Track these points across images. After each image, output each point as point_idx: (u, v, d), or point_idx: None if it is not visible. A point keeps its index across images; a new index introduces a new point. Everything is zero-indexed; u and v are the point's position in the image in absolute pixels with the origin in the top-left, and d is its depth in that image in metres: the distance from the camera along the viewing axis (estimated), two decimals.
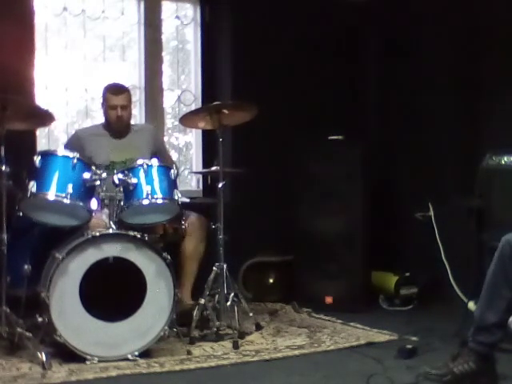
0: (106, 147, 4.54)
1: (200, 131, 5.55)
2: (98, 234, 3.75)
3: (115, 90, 4.59)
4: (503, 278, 3.25)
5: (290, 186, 5.25)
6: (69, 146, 4.57)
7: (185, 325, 4.09)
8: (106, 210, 4.05)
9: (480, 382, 3.25)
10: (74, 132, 4.82)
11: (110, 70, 5.38)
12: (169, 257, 3.83)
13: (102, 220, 4.02)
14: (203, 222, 4.53)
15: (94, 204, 3.86)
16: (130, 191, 3.88)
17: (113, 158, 4.50)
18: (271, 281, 5.42)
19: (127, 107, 4.58)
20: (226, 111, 4.17)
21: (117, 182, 3.87)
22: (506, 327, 3.30)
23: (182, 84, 5.77)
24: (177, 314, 3.89)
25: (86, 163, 3.88)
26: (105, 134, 4.62)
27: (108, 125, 4.62)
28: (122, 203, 3.86)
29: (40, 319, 3.69)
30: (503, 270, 3.25)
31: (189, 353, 3.82)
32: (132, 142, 4.61)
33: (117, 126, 4.58)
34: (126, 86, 4.77)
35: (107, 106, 4.57)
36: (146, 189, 3.88)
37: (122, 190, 3.87)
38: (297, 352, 3.91)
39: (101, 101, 4.67)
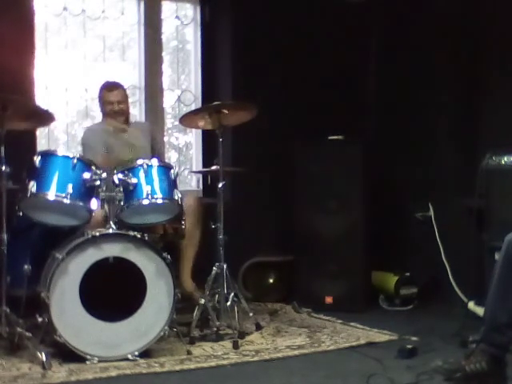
0: (116, 145, 4.55)
1: (200, 131, 5.56)
2: (97, 234, 3.75)
3: (109, 87, 4.66)
4: (511, 276, 3.25)
5: (290, 185, 5.25)
6: (88, 137, 4.60)
7: (186, 310, 4.10)
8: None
9: (489, 382, 3.25)
10: (85, 129, 4.81)
11: (110, 70, 5.38)
12: (169, 257, 3.83)
13: (102, 216, 4.01)
14: (199, 203, 4.55)
15: (94, 204, 3.86)
16: (130, 191, 3.88)
17: (122, 157, 4.49)
18: (271, 281, 5.42)
19: (123, 102, 4.63)
20: (225, 111, 4.17)
21: (117, 182, 3.87)
22: None
23: (182, 84, 5.77)
24: (178, 299, 3.87)
25: (86, 163, 3.88)
26: (108, 134, 4.61)
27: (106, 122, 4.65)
28: (121, 203, 3.86)
29: (40, 319, 3.69)
30: (510, 269, 3.25)
31: (189, 353, 3.82)
32: (136, 142, 4.62)
33: (115, 120, 4.60)
34: (125, 85, 4.79)
35: (104, 103, 4.63)
36: (145, 189, 3.88)
37: (121, 189, 3.87)
38: (297, 352, 3.91)
39: (97, 101, 4.73)
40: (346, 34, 5.70)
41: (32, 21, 4.86)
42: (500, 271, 3.29)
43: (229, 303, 4.14)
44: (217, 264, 4.18)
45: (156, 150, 4.74)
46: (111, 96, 4.60)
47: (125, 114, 4.65)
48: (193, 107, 5.54)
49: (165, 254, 3.82)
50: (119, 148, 4.56)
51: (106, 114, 4.65)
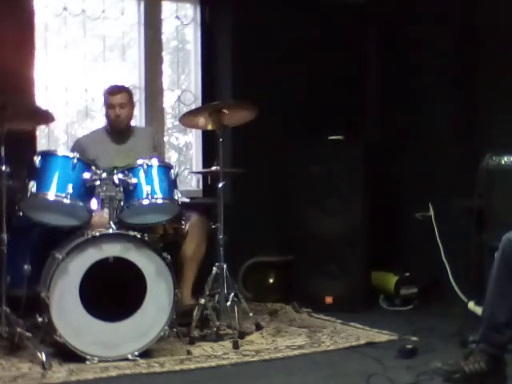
0: (109, 153, 4.53)
1: (200, 131, 5.56)
2: (97, 234, 3.75)
3: (113, 90, 4.63)
4: (508, 276, 3.26)
5: (290, 185, 5.25)
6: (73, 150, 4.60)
7: (185, 325, 4.09)
8: (106, 210, 4.04)
9: (489, 382, 3.26)
10: (75, 140, 4.80)
11: (110, 70, 5.38)
12: (169, 257, 3.83)
13: (104, 217, 4.01)
14: (204, 224, 4.53)
15: (94, 204, 3.86)
16: (130, 191, 3.88)
17: (116, 164, 4.48)
18: (271, 281, 5.42)
19: (125, 106, 4.59)
20: (226, 111, 4.17)
21: (117, 182, 3.87)
22: None
23: (182, 84, 5.77)
24: (177, 314, 3.88)
25: (86, 163, 3.87)
26: (107, 140, 4.61)
27: (109, 127, 4.63)
28: (121, 203, 3.86)
29: (40, 319, 3.69)
30: (507, 268, 3.26)
31: (189, 353, 3.82)
32: (134, 148, 4.60)
33: (116, 125, 4.59)
34: (126, 86, 4.79)
35: (106, 106, 4.60)
36: (146, 189, 3.88)
37: (121, 189, 3.87)
38: (297, 352, 3.91)
39: (102, 104, 4.70)
40: (346, 33, 5.71)
41: (32, 21, 4.86)
42: (497, 271, 3.30)
43: (229, 303, 4.14)
44: (217, 264, 4.18)
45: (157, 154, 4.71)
46: (113, 99, 4.56)
47: (125, 121, 4.60)
48: (193, 107, 5.53)
49: (165, 254, 3.82)
50: (115, 155, 4.54)
51: (109, 120, 4.61)
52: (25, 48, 4.76)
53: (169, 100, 5.67)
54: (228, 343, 4.00)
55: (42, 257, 3.91)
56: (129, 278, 3.78)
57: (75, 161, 3.79)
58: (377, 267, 5.26)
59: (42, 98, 5.00)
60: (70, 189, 3.73)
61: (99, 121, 4.82)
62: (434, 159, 5.23)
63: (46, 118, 4.01)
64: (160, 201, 3.92)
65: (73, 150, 4.62)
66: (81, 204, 3.79)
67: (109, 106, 4.58)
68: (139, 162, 3.98)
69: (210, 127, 4.33)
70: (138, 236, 3.80)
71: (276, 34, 5.51)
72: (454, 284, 4.85)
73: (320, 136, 5.17)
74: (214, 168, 4.30)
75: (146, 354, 3.76)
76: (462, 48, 5.08)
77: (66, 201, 3.73)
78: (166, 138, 5.69)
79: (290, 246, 5.25)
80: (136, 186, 3.88)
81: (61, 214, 3.83)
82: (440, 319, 4.53)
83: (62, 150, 3.96)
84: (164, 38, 5.61)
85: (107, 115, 4.61)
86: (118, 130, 4.61)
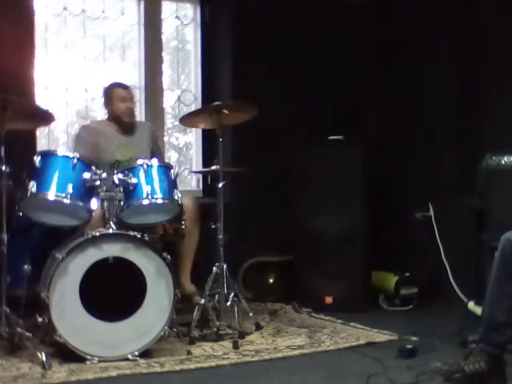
0: (115, 144, 4.55)
1: (200, 131, 5.56)
2: (97, 234, 3.75)
3: (123, 85, 4.69)
4: (507, 275, 3.26)
5: (290, 185, 5.25)
6: (82, 134, 4.59)
7: (185, 324, 4.09)
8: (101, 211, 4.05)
9: (489, 382, 3.26)
10: (84, 125, 4.79)
11: (110, 70, 5.38)
12: (169, 257, 3.83)
13: (102, 216, 4.01)
14: (196, 204, 4.57)
15: (94, 204, 3.86)
16: (130, 191, 3.88)
17: (118, 157, 4.50)
18: (271, 281, 5.42)
19: (133, 101, 4.68)
20: (226, 111, 4.17)
21: (117, 181, 3.87)
22: None
23: (182, 84, 5.77)
24: (178, 299, 3.87)
25: (86, 163, 3.88)
26: (117, 131, 4.61)
27: (117, 119, 4.62)
28: (121, 203, 3.86)
29: (40, 319, 3.69)
30: (506, 268, 3.26)
31: (189, 353, 3.82)
32: (141, 140, 4.64)
33: (128, 118, 4.61)
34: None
35: (116, 100, 4.60)
36: (145, 189, 3.88)
37: (121, 189, 3.87)
38: (297, 352, 3.91)
39: (103, 100, 4.70)
40: (346, 33, 5.71)
41: (32, 21, 4.87)
42: (496, 270, 3.30)
43: (229, 303, 4.14)
44: (217, 264, 4.18)
45: (156, 152, 4.72)
46: (126, 93, 4.62)
47: (133, 114, 4.67)
48: (193, 107, 5.54)
49: (165, 254, 3.82)
50: (126, 146, 4.55)
51: (114, 114, 4.61)
52: (25, 48, 4.76)
53: (169, 100, 5.67)
54: (228, 343, 4.00)
55: (42, 257, 3.91)
56: (129, 278, 3.77)
57: (75, 161, 3.79)
58: (377, 267, 5.26)
59: (42, 98, 5.00)
60: (70, 189, 3.73)
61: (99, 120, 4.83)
62: (434, 159, 5.23)
63: (46, 118, 4.00)
64: (160, 201, 3.92)
65: (80, 133, 4.63)
66: (81, 204, 3.79)
67: (121, 99, 4.59)
68: (139, 162, 3.98)
69: (209, 127, 4.34)
70: (138, 236, 3.80)
71: (276, 34, 5.51)
72: (454, 284, 4.85)
73: (320, 136, 5.17)
74: (213, 167, 4.30)
75: (146, 353, 3.76)
76: (462, 48, 5.08)
77: (66, 201, 3.73)
78: (166, 138, 5.69)
79: (290, 246, 5.24)
80: (136, 186, 3.89)
81: (61, 214, 3.83)
82: (440, 319, 4.53)
83: (62, 150, 3.95)
84: (164, 38, 5.61)
85: (115, 109, 4.60)
86: (128, 124, 4.62)
